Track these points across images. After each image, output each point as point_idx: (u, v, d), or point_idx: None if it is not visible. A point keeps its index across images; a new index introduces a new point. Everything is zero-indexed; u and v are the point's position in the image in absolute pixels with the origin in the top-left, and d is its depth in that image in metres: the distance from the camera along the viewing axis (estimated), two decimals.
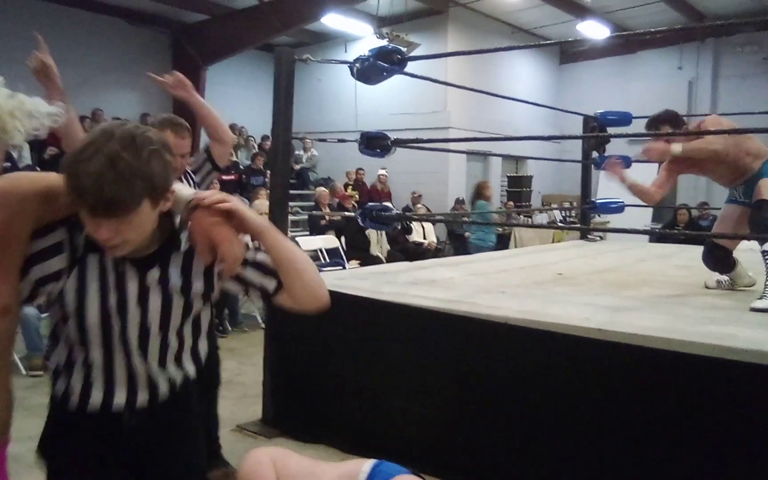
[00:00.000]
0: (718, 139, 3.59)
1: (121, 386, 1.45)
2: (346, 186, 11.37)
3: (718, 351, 2.47)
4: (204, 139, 3.43)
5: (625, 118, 5.27)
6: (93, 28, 11.54)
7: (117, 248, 1.31)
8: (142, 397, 1.48)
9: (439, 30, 12.64)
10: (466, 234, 10.06)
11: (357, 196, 10.90)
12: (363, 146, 4.14)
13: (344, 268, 7.53)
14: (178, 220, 1.46)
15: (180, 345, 1.50)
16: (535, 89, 14.38)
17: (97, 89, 11.49)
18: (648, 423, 2.59)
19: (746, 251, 3.89)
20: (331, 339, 3.55)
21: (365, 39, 12.50)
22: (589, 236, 6.78)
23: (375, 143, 4.14)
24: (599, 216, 7.91)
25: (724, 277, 3.92)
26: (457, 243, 10.74)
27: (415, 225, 10.28)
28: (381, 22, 12.06)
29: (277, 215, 4.15)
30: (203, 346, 1.57)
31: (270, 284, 1.48)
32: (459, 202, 11.98)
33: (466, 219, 10.23)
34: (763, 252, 3.30)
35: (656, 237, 7.70)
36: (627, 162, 4.72)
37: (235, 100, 13.32)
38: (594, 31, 12.69)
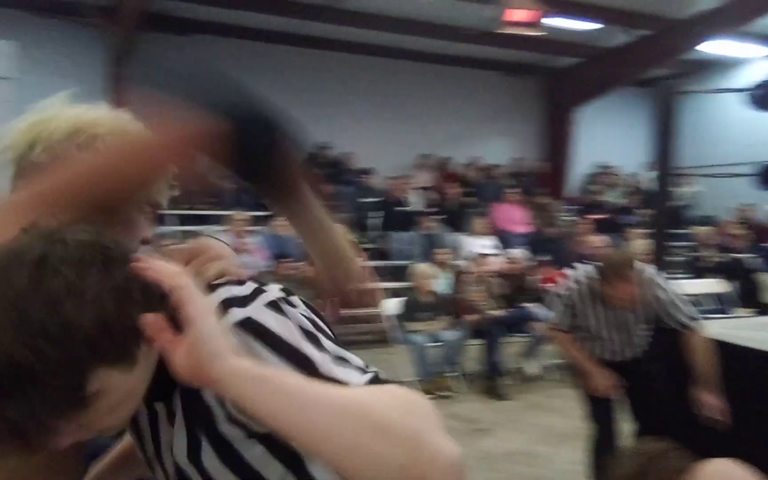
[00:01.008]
0: None
1: None
2: (735, 225, 10.20)
3: None
4: None
5: None
6: (472, 82, 12.61)
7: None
8: None
9: None
10: None
11: (749, 235, 9.66)
12: (762, 180, 3.71)
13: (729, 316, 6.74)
14: None
15: None
16: None
17: (475, 138, 12.49)
18: None
19: None
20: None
21: (754, 63, 11.18)
22: None
23: None
24: None
25: None
26: None
27: None
28: None
29: (657, 256, 3.96)
30: None
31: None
32: None
33: None
34: None
35: None
36: None
37: (606, 139, 13.12)
38: None
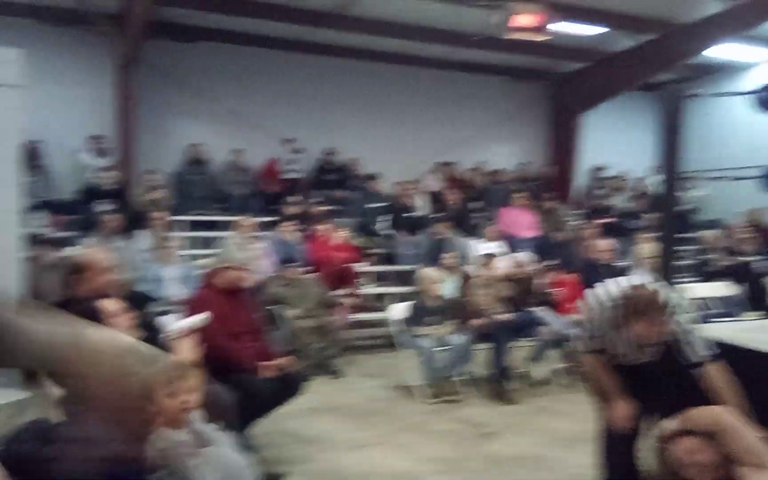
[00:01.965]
0: None
1: None
2: (745, 228, 10.17)
3: None
4: None
5: None
6: (478, 88, 12.61)
7: None
8: None
9: None
10: None
11: (758, 239, 9.63)
12: None
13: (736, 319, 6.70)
14: None
15: None
16: None
17: (481, 144, 12.48)
18: None
19: None
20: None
21: (760, 66, 11.16)
22: None
23: None
24: None
25: None
26: None
27: None
28: None
29: (665, 260, 3.95)
30: None
31: None
32: None
33: None
34: None
35: None
36: None
37: (612, 143, 13.09)
38: None
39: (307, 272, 8.09)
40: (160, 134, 10.45)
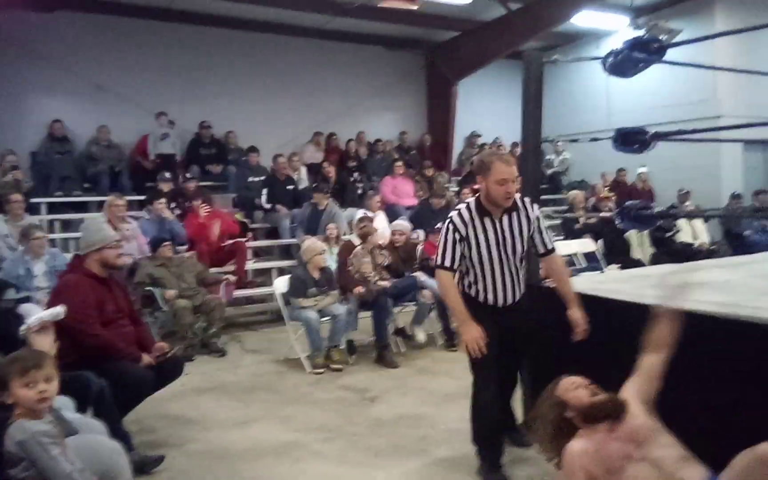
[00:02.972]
0: None
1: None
2: (603, 187, 10.89)
3: None
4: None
5: None
6: (356, 58, 12.61)
7: None
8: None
9: (703, 13, 11.48)
10: (747, 233, 8.99)
11: (615, 197, 10.36)
12: (618, 143, 3.94)
13: (602, 272, 7.21)
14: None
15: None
16: None
17: (360, 114, 12.53)
18: None
19: None
20: (589, 346, 3.43)
21: (619, 33, 11.85)
22: None
23: (631, 139, 3.91)
24: None
25: None
26: (735, 243, 9.64)
27: (683, 225, 9.46)
28: (638, 12, 11.34)
29: None
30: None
31: None
32: (735, 197, 10.72)
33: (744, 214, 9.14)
34: None
35: None
36: None
37: (486, 111, 13.56)
38: None
39: (185, 251, 7.85)
40: (16, 112, 9.69)
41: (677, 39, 9.05)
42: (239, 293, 8.05)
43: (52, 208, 9.10)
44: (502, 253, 3.46)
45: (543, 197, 8.41)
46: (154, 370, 4.11)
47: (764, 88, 10.73)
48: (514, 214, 3.48)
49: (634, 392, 2.69)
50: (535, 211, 3.58)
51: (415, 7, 8.71)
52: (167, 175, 9.18)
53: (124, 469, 2.95)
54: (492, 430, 3.59)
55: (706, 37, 7.06)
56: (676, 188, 10.89)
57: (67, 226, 8.75)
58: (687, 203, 10.43)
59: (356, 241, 7.04)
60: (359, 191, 10.63)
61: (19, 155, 9.05)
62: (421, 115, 13.60)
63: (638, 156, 4.13)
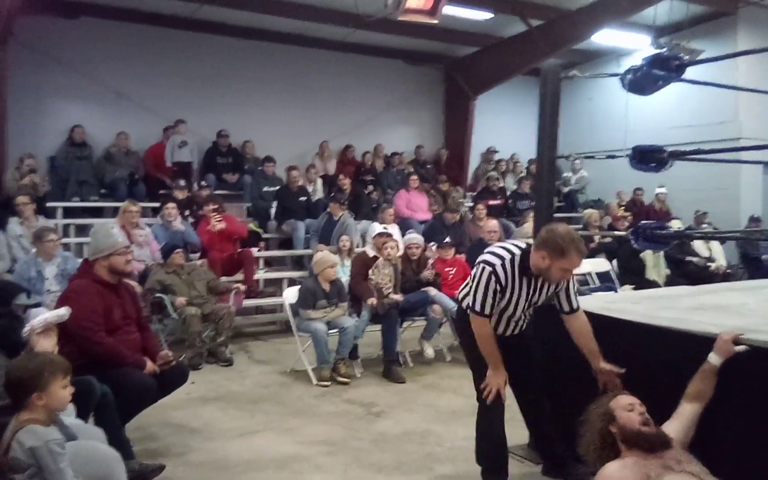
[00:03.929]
0: None
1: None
2: (618, 206, 10.77)
3: None
4: None
5: None
6: (374, 70, 12.61)
7: None
8: None
9: (726, 34, 11.37)
10: (764, 257, 8.82)
11: (630, 216, 10.23)
12: (635, 161, 3.87)
13: (615, 292, 7.10)
14: None
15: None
16: None
17: (378, 127, 12.51)
18: None
19: None
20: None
21: (640, 52, 11.75)
22: None
23: (649, 157, 3.84)
24: None
25: None
26: (752, 267, 9.47)
27: (700, 247, 9.31)
28: (659, 32, 11.25)
29: None
30: None
31: None
32: (754, 220, 10.55)
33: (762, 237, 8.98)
34: None
35: None
36: None
37: (504, 127, 13.48)
38: None
39: (197, 259, 7.85)
40: (36, 116, 9.79)
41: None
42: (249, 303, 8.02)
43: (68, 212, 9.15)
44: (527, 304, 3.45)
45: (557, 215, 8.38)
46: (157, 377, 4.08)
47: None
48: None
49: (673, 434, 2.73)
50: None
51: (435, 22, 8.67)
52: (182, 182, 9.20)
53: (120, 478, 2.92)
54: (497, 450, 3.52)
55: (728, 56, 6.96)
56: (693, 210, 10.75)
57: (81, 230, 8.79)
58: (704, 224, 10.27)
59: (370, 253, 6.97)
60: (374, 204, 10.59)
61: (38, 159, 9.12)
62: (438, 129, 13.57)
63: (656, 176, 4.06)
